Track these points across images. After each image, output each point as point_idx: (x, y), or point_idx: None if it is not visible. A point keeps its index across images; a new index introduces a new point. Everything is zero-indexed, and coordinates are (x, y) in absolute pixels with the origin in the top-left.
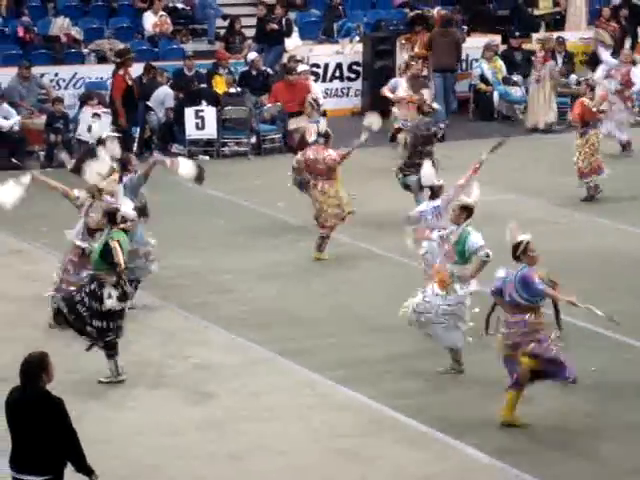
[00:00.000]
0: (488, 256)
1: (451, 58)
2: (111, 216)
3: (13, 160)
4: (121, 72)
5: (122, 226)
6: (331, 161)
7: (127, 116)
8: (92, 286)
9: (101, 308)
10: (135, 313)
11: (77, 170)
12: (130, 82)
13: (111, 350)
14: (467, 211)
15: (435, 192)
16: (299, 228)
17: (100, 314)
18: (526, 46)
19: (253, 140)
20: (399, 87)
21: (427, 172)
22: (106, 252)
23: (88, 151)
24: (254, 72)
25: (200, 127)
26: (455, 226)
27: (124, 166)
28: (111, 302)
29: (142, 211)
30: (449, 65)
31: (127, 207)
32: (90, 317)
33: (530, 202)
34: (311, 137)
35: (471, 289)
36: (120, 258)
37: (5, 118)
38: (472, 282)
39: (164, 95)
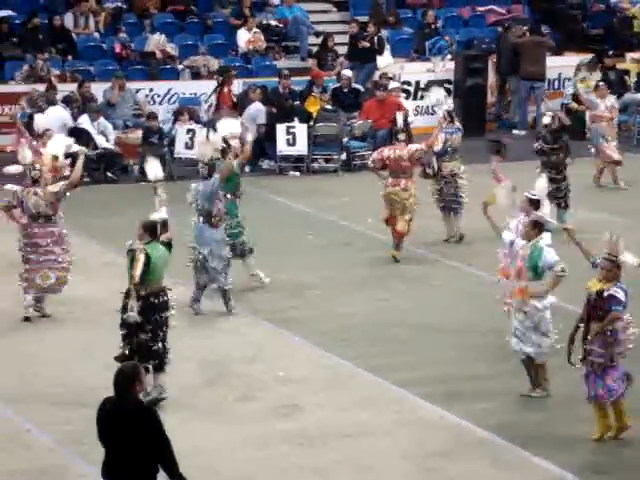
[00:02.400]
0: (564, 271)
1: (541, 67)
2: (150, 229)
3: (109, 174)
4: (226, 89)
5: (163, 237)
6: (419, 151)
7: None
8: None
9: (127, 319)
10: (225, 326)
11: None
12: (235, 99)
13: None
14: (538, 227)
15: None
16: (388, 244)
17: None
18: (620, 65)
19: (343, 157)
20: None
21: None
22: (130, 261)
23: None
24: (345, 89)
25: (291, 143)
26: (524, 242)
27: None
28: (132, 315)
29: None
30: (539, 74)
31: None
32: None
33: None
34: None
35: (550, 301)
36: (136, 272)
37: (103, 133)
38: (548, 297)
39: (256, 111)
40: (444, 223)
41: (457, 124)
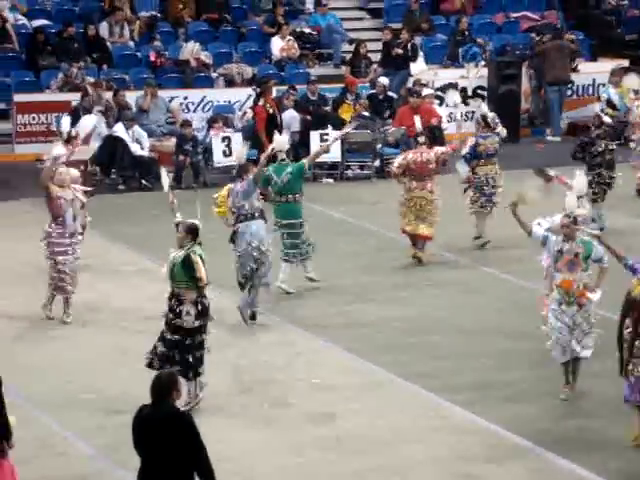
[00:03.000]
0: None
1: (566, 71)
2: (194, 232)
3: (143, 182)
4: (261, 102)
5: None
6: (444, 154)
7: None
8: (172, 302)
9: (182, 324)
10: (258, 335)
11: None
12: (271, 110)
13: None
14: (576, 223)
15: None
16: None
17: (187, 345)
18: None
19: (377, 163)
20: None
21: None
22: (187, 266)
23: None
24: (380, 96)
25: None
26: (569, 242)
27: (239, 173)
28: (189, 319)
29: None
30: (564, 78)
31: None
32: (179, 353)
33: None
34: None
35: (598, 296)
36: (202, 273)
37: (137, 141)
38: (597, 291)
39: (290, 118)
40: (477, 225)
41: (498, 129)
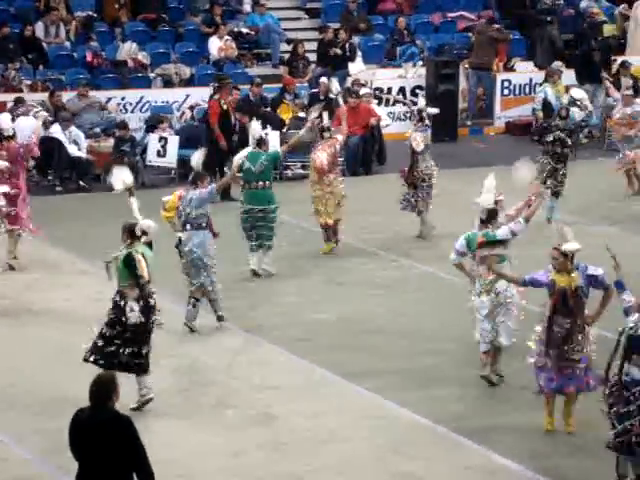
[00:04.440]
0: None
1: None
2: (130, 231)
3: (81, 183)
4: (217, 97)
5: (144, 240)
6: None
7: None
8: (116, 298)
9: (127, 320)
10: (199, 334)
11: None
12: (225, 107)
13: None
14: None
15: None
16: (362, 251)
17: (130, 339)
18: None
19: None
20: None
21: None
22: (129, 264)
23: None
24: (322, 96)
25: None
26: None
27: (194, 180)
28: (134, 315)
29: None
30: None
31: (146, 221)
32: (122, 345)
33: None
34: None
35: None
36: (144, 271)
37: (74, 142)
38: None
39: None
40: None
41: (427, 122)
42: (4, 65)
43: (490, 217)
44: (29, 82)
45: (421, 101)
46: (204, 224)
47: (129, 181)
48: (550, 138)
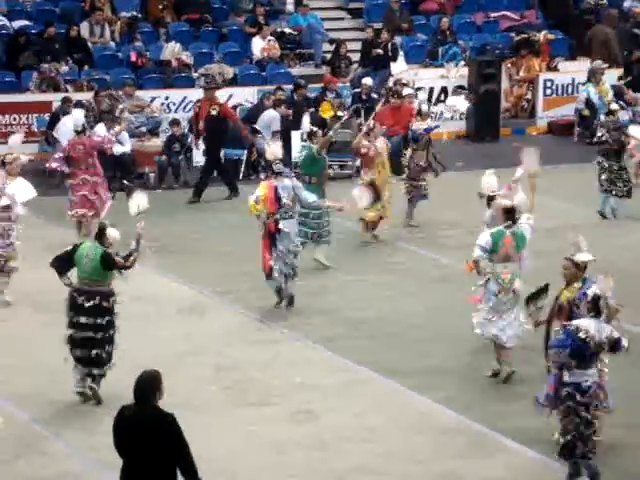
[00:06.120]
0: None
1: None
2: (100, 233)
3: (125, 182)
4: (204, 100)
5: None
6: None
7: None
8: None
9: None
10: (240, 332)
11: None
12: (214, 112)
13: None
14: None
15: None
16: (404, 250)
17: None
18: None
19: (357, 163)
20: None
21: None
22: (106, 260)
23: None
24: (364, 97)
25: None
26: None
27: (279, 173)
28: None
29: None
30: None
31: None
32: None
33: None
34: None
35: None
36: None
37: (118, 141)
38: None
39: (270, 118)
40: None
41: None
42: (49, 65)
43: (510, 214)
44: (70, 81)
45: (421, 95)
46: (294, 214)
47: (143, 207)
48: (598, 137)
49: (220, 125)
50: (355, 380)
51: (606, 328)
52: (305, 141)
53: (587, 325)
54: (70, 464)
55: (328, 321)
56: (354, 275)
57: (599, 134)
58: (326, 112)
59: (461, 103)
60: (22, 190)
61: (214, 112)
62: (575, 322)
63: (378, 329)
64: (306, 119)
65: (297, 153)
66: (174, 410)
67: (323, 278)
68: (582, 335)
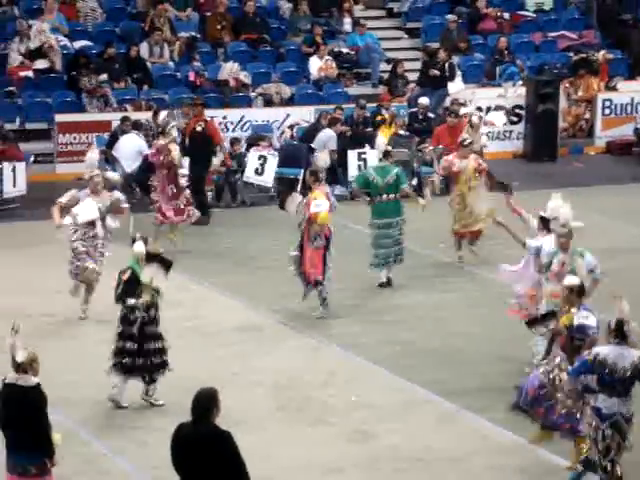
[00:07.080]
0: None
1: None
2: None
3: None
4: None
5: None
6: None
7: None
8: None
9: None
10: (296, 350)
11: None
12: (199, 128)
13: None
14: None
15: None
16: (458, 269)
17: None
18: None
19: (414, 182)
20: None
21: None
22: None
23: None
24: (420, 116)
25: (362, 169)
26: (563, 252)
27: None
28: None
29: None
30: None
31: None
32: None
33: None
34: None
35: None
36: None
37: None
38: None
39: (327, 138)
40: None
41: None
42: (110, 86)
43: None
44: (129, 100)
45: (470, 107)
46: None
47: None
48: None
49: (205, 141)
50: (411, 400)
51: (633, 354)
52: (380, 160)
53: (607, 352)
54: None
55: (385, 340)
56: (412, 294)
57: None
58: (385, 131)
59: (499, 119)
60: (85, 210)
61: (199, 128)
62: (595, 349)
63: (434, 349)
64: (380, 139)
65: (373, 175)
66: (230, 428)
67: (379, 296)
68: (593, 358)
